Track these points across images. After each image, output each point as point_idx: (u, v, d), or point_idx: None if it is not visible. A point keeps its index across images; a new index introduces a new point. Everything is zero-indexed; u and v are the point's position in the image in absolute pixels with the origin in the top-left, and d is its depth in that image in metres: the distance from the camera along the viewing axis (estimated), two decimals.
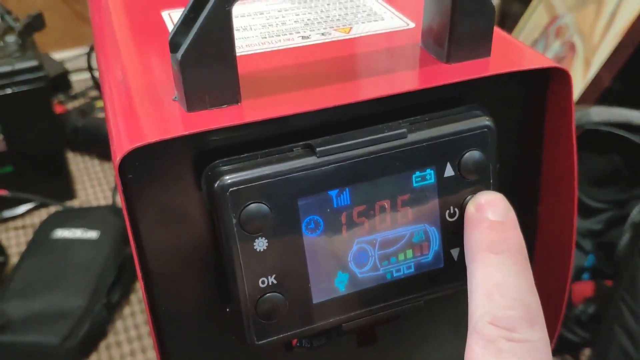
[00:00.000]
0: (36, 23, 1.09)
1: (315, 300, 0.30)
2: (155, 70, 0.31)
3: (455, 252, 0.31)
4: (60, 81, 1.37)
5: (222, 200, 0.27)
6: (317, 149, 0.28)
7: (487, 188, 0.30)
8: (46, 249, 0.94)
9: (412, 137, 0.29)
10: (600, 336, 0.73)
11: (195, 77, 0.27)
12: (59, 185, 1.12)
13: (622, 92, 0.92)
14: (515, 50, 0.33)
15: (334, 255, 0.29)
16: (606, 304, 0.75)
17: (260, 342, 0.29)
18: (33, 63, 1.02)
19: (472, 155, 0.30)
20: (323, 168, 0.28)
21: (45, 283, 0.88)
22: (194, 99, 0.27)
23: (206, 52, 0.26)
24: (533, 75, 0.32)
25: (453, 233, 0.31)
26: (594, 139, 0.83)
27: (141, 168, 0.27)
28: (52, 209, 1.09)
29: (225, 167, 0.27)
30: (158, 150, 0.27)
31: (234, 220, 0.27)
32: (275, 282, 0.29)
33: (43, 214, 1.08)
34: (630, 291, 0.69)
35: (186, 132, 0.26)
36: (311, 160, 0.28)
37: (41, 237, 0.96)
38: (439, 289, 0.31)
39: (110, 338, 0.88)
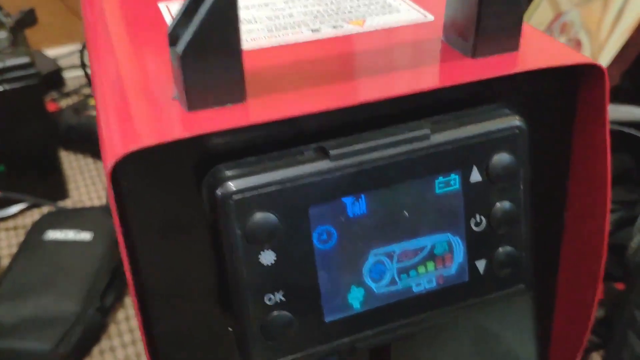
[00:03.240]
0: (28, 19, 1.06)
1: (327, 319, 0.27)
2: (152, 67, 0.29)
3: (481, 265, 0.28)
4: (53, 78, 1.34)
5: (226, 209, 0.24)
6: (331, 152, 0.25)
7: (517, 195, 0.28)
8: (38, 251, 0.91)
9: (436, 138, 0.26)
10: (612, 342, 0.71)
11: (197, 73, 0.24)
12: (52, 185, 1.09)
13: (631, 90, 0.90)
14: (544, 43, 0.30)
15: (348, 268, 0.27)
16: (616, 307, 0.73)
17: None
18: (25, 60, 0.99)
19: (502, 158, 0.27)
20: (337, 173, 0.25)
21: (37, 286, 0.85)
22: (195, 97, 0.24)
23: (209, 45, 0.24)
24: (565, 72, 0.29)
25: (479, 244, 0.28)
26: None
27: (136, 174, 0.24)
28: (45, 209, 1.06)
29: (228, 172, 0.24)
30: (155, 154, 0.24)
31: (239, 232, 0.24)
32: (283, 299, 0.26)
33: (35, 215, 1.06)
34: None
35: (187, 135, 0.23)
36: (324, 164, 0.25)
37: (33, 238, 0.93)
38: (463, 304, 0.29)
39: (104, 343, 0.85)
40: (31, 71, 1.00)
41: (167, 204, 0.25)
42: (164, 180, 0.25)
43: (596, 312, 0.83)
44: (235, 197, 0.24)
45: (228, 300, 0.26)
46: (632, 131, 0.81)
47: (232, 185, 0.24)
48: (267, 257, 0.25)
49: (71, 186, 1.12)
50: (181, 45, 0.23)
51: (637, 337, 0.66)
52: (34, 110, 1.03)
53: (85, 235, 0.91)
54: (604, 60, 0.95)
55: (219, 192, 0.24)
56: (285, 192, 0.25)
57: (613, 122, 0.82)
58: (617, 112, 0.83)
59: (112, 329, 0.86)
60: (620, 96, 0.89)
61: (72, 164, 1.18)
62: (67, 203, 1.09)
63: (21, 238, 0.95)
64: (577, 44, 1.05)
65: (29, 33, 1.09)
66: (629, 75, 0.89)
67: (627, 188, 0.85)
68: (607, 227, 0.31)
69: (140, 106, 0.26)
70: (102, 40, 0.33)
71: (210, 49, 0.24)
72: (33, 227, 0.95)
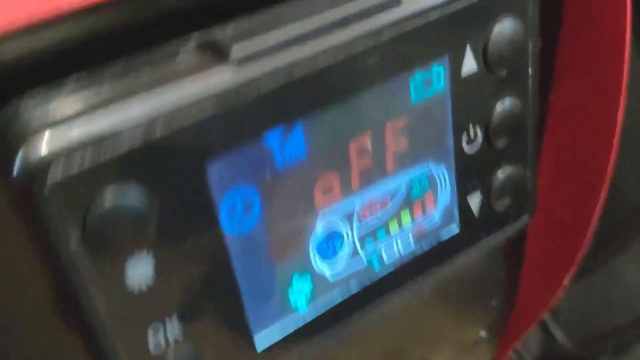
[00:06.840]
0: None
1: (259, 347, 0.16)
2: None
3: (474, 201, 0.18)
4: None
5: (42, 202, 0.11)
6: (233, 49, 0.13)
7: (524, 86, 0.17)
8: None
9: (408, 7, 0.15)
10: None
11: None
12: None
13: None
14: None
15: (285, 251, 0.15)
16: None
17: None
18: None
19: (505, 28, 0.16)
20: (247, 90, 0.13)
21: None
22: None
23: None
24: None
25: (472, 170, 0.18)
26: None
27: None
28: None
29: (27, 116, 0.11)
30: None
31: (75, 238, 0.12)
32: (178, 326, 0.14)
33: None
34: None
35: None
36: (221, 75, 0.13)
37: None
38: (452, 261, 0.19)
39: None
40: None
41: None
42: None
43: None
44: (52, 176, 0.11)
45: (90, 347, 0.14)
46: None
47: (40, 151, 0.11)
48: (140, 268, 0.13)
49: None
50: None
51: None
52: None
53: None
54: None
55: (17, 169, 0.11)
56: (159, 142, 0.12)
57: None
58: None
59: None
60: None
61: None
62: None
63: None
64: None
65: None
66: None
67: None
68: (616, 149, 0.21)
69: None
70: None
71: None
72: None
